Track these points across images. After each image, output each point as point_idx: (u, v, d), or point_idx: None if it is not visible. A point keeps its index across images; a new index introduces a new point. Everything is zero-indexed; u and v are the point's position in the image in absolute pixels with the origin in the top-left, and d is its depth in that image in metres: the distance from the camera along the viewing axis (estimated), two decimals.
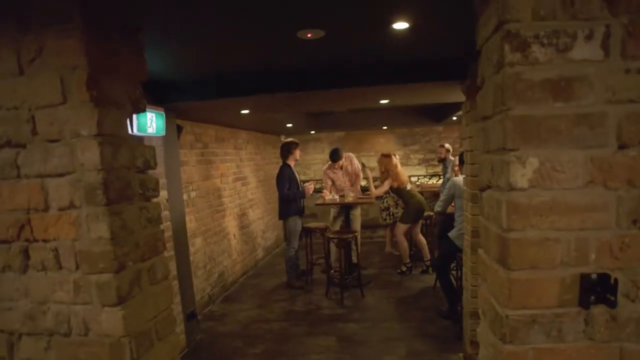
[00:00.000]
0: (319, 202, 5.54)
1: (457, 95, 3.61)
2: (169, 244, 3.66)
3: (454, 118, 6.46)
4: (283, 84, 3.21)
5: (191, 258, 4.62)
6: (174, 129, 3.91)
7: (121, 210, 1.22)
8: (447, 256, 3.99)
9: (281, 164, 5.56)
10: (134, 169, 1.28)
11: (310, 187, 5.48)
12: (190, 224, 4.66)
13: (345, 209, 5.56)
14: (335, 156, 5.87)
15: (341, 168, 6.02)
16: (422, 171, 8.47)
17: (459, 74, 2.98)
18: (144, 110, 1.34)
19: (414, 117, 7.43)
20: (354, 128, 8.24)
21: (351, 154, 6.19)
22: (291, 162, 5.51)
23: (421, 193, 6.57)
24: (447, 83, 3.15)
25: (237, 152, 6.28)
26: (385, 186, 5.69)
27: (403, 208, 5.78)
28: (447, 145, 6.74)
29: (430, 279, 5.35)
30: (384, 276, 5.67)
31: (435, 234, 6.27)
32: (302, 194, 5.39)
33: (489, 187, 1.14)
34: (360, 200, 5.58)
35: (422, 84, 3.15)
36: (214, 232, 5.25)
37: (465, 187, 3.19)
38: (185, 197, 4.57)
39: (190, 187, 4.73)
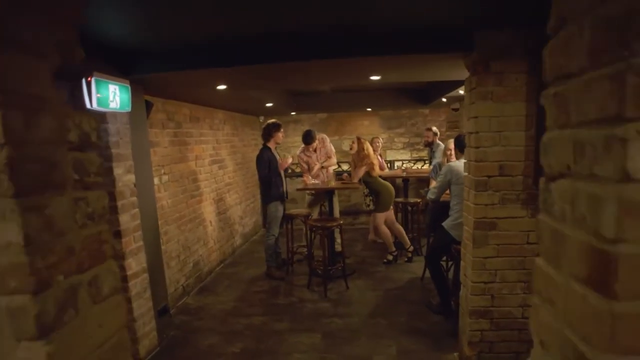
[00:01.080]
0: (299, 187, 5.19)
1: (457, 71, 3.30)
2: (138, 234, 3.27)
3: (444, 100, 6.18)
4: (259, 55, 2.82)
5: (164, 247, 4.24)
6: (142, 105, 3.48)
7: (43, 204, 0.85)
8: (440, 247, 3.73)
9: (261, 146, 5.20)
10: (64, 145, 0.91)
11: (287, 160, 5.15)
12: (163, 210, 4.26)
13: (327, 194, 5.25)
14: (308, 138, 5.56)
15: (315, 151, 5.71)
16: (407, 155, 8.21)
17: (462, 45, 2.65)
18: (80, 62, 0.96)
19: (400, 99, 7.12)
20: (337, 110, 7.88)
21: (324, 135, 5.91)
22: (272, 145, 5.15)
23: (407, 179, 6.32)
24: (447, 56, 2.82)
25: (214, 133, 5.86)
26: (361, 172, 5.38)
27: (372, 199, 5.46)
28: (434, 129, 6.46)
29: (417, 268, 5.12)
30: (368, 266, 5.40)
31: (423, 221, 6.06)
32: (281, 172, 5.07)
33: (563, 175, 0.82)
34: (344, 186, 5.27)
35: (417, 56, 2.81)
36: (189, 219, 4.86)
37: (466, 173, 2.90)
38: (156, 181, 4.16)
39: (162, 171, 4.32)
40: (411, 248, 5.54)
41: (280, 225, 5.17)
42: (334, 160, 5.91)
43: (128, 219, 3.14)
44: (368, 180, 5.35)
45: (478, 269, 2.79)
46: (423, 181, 6.86)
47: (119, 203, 3.04)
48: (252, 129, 7.81)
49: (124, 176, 3.10)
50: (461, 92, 5.13)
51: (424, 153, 8.14)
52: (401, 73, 3.49)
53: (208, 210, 5.46)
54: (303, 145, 5.78)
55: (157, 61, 2.97)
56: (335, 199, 5.56)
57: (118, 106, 2.78)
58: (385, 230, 5.42)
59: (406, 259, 5.50)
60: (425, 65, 3.17)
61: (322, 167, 5.62)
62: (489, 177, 2.67)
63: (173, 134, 4.61)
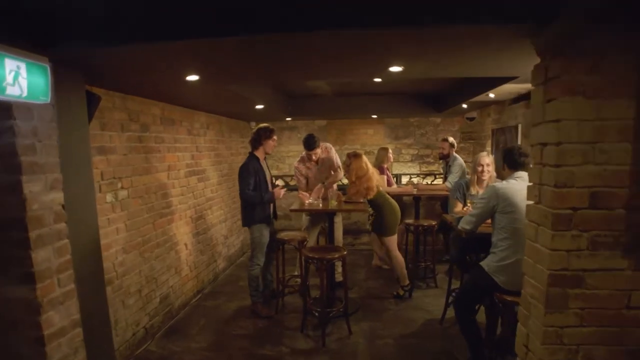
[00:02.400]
0: (293, 207, 4.27)
1: (509, 61, 2.44)
2: (66, 275, 2.35)
3: (464, 106, 5.32)
4: (239, 22, 1.93)
5: (118, 282, 3.33)
6: (80, 98, 2.58)
7: None
8: (475, 293, 2.84)
9: (248, 154, 4.31)
10: None
11: (280, 191, 4.21)
12: (118, 235, 3.35)
13: (328, 215, 4.34)
14: (311, 142, 4.61)
15: (317, 162, 4.81)
16: (415, 169, 7.34)
17: (533, 12, 1.77)
18: None
19: (410, 105, 6.28)
20: (338, 116, 7.03)
21: (329, 144, 4.96)
22: (260, 155, 4.26)
23: (417, 197, 5.44)
24: (506, 30, 1.93)
25: (193, 139, 4.96)
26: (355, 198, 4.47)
27: (374, 219, 4.52)
28: (450, 139, 5.60)
29: (433, 305, 4.23)
30: (374, 301, 4.49)
31: (439, 245, 5.19)
32: (270, 198, 4.15)
33: None
34: (353, 208, 4.34)
35: (462, 29, 1.92)
36: (155, 244, 3.94)
37: (531, 202, 2.01)
38: (109, 198, 3.26)
39: (119, 184, 3.41)
40: (409, 287, 4.61)
41: (269, 250, 4.27)
42: (341, 174, 4.92)
43: (48, 256, 2.22)
44: (372, 199, 4.46)
45: (551, 342, 1.89)
46: (435, 199, 5.99)
47: (33, 233, 2.12)
48: (242, 136, 6.91)
49: (44, 195, 2.19)
50: (491, 95, 4.28)
51: (435, 167, 7.28)
52: (431, 62, 2.61)
53: (183, 231, 4.54)
54: (302, 154, 4.86)
55: (92, 31, 2.07)
56: (339, 221, 4.69)
57: (24, 93, 1.88)
58: (399, 258, 4.52)
59: (398, 295, 4.59)
60: (467, 49, 2.30)
61: (325, 186, 4.69)
62: (575, 209, 1.79)
63: (137, 138, 3.71)
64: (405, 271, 4.54)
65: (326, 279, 3.62)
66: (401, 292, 4.54)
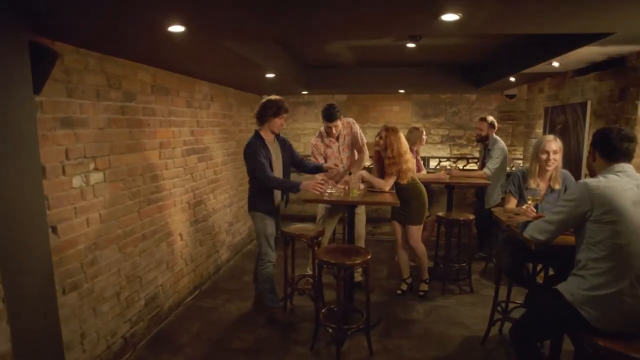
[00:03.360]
0: (306, 197, 3.55)
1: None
2: None
3: (511, 79, 4.49)
4: None
5: (87, 286, 2.72)
6: (20, 52, 1.91)
7: None
8: (546, 325, 2.12)
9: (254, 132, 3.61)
10: None
11: (317, 185, 3.33)
12: (88, 227, 2.73)
13: (348, 207, 3.63)
14: (331, 112, 3.93)
15: (337, 139, 4.11)
16: (446, 151, 6.55)
17: None
18: None
19: (442, 79, 5.47)
20: (361, 90, 6.25)
21: (352, 119, 4.26)
22: (266, 134, 3.54)
23: (451, 185, 4.68)
24: None
25: (194, 113, 4.28)
26: (392, 181, 3.76)
27: (402, 206, 3.77)
28: (490, 119, 4.80)
29: (468, 316, 3.55)
30: (398, 307, 3.81)
31: (473, 241, 4.49)
32: (292, 187, 3.42)
33: None
34: (378, 200, 3.60)
35: None
36: (141, 236, 3.31)
37: None
38: (76, 182, 2.63)
39: (92, 165, 2.76)
40: (409, 280, 4.11)
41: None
42: (367, 155, 4.28)
43: None
44: (404, 186, 3.76)
45: None
46: (467, 187, 5.21)
47: None
48: (253, 111, 6.17)
49: None
50: (555, 64, 3.46)
51: (467, 150, 6.48)
52: (502, 4, 1.84)
53: (177, 220, 3.91)
54: (321, 130, 4.19)
55: None
56: (362, 212, 4.04)
57: None
58: (424, 248, 3.97)
59: (420, 294, 4.02)
60: None
61: (348, 170, 3.96)
62: None
63: (118, 109, 3.04)
64: (426, 264, 4.05)
65: (343, 290, 2.92)
66: (424, 287, 4.04)
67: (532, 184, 2.86)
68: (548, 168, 2.79)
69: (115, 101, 3.01)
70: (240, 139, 5.57)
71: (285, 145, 3.69)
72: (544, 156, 2.77)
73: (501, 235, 3.07)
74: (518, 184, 2.96)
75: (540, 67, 3.61)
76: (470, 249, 4.20)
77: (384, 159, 3.74)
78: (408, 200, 3.72)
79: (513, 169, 5.05)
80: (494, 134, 4.81)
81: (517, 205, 2.94)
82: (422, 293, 3.99)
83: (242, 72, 4.13)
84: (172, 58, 3.31)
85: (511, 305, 3.24)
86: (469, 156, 6.42)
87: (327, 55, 4.81)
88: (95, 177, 2.79)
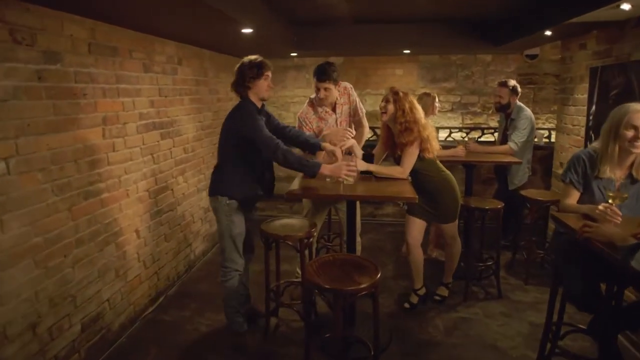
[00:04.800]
0: (293, 188, 2.68)
1: None
2: None
3: (547, 33, 3.62)
4: None
5: None
6: None
7: None
8: None
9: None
10: None
11: (345, 168, 2.50)
12: None
13: (347, 201, 2.83)
14: (324, 68, 3.12)
15: (334, 109, 3.27)
16: (457, 121, 5.73)
17: None
18: None
19: (456, 36, 4.59)
20: (359, 51, 5.36)
21: (349, 85, 3.41)
22: (255, 99, 2.71)
23: (470, 164, 3.89)
24: None
25: (154, 79, 3.44)
26: (411, 159, 2.90)
27: (428, 204, 3.03)
28: (511, 83, 3.98)
29: (506, 337, 2.83)
30: (411, 321, 3.09)
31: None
32: (312, 167, 2.53)
33: None
34: (390, 195, 2.69)
35: None
36: (74, 241, 2.54)
37: None
38: None
39: None
40: (422, 291, 3.28)
41: (247, 246, 2.86)
42: (367, 127, 3.51)
43: None
44: (420, 168, 2.95)
45: None
46: (495, 172, 4.43)
47: None
48: (231, 75, 5.32)
49: None
50: (625, 6, 2.59)
51: (482, 119, 5.67)
52: None
53: (131, 213, 3.13)
54: (311, 97, 3.33)
55: None
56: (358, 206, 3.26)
57: None
58: (459, 246, 3.27)
59: (438, 299, 3.31)
60: None
61: (347, 149, 3.10)
62: None
63: (32, 74, 2.21)
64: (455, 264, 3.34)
65: (343, 311, 2.17)
66: (444, 292, 3.35)
67: (606, 171, 2.07)
68: (635, 150, 1.99)
69: (26, 63, 2.18)
70: (219, 109, 4.74)
71: (270, 119, 2.85)
72: (630, 133, 1.97)
73: (556, 241, 2.31)
74: (583, 171, 2.16)
75: (593, 15, 2.76)
76: (497, 243, 3.44)
77: (395, 131, 2.92)
78: (434, 193, 2.92)
79: (535, 140, 4.26)
80: (517, 101, 4.00)
81: (580, 202, 2.16)
82: (439, 298, 3.28)
83: (211, 26, 3.26)
84: (114, 7, 2.45)
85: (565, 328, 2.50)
86: (483, 126, 5.60)
87: (319, 8, 3.92)
88: None
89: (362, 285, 1.99)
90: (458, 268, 3.39)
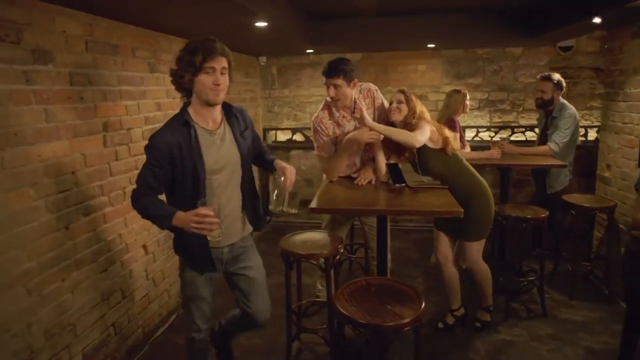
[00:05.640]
0: (314, 204, 2.34)
1: None
2: None
3: (596, 20, 3.24)
4: None
5: None
6: None
7: None
8: None
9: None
10: None
11: (197, 222, 1.70)
12: None
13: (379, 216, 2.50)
14: (335, 64, 2.65)
15: (353, 111, 2.85)
16: (484, 119, 5.36)
17: None
18: None
19: (485, 28, 4.24)
20: (379, 46, 5.02)
21: (373, 87, 2.96)
22: (196, 109, 1.92)
23: (506, 167, 3.54)
24: None
25: (160, 79, 3.17)
26: (425, 131, 2.52)
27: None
28: (556, 77, 3.61)
29: None
30: (445, 341, 2.77)
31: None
32: (160, 218, 1.84)
33: None
34: (424, 207, 2.27)
35: None
36: (73, 263, 2.27)
37: None
38: None
39: None
40: (460, 311, 2.90)
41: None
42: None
43: None
44: (443, 169, 2.60)
45: None
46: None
47: None
48: (247, 76, 5.06)
49: None
50: None
51: (512, 117, 5.29)
52: None
53: (137, 228, 2.85)
54: (327, 99, 2.85)
55: None
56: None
57: None
58: (486, 267, 2.79)
59: (476, 326, 2.91)
60: None
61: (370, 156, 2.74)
62: None
63: (18, 76, 1.94)
64: (490, 285, 2.85)
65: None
66: (486, 317, 2.89)
67: None
68: None
69: (10, 63, 1.91)
70: None
71: (240, 123, 2.00)
72: None
73: (631, 263, 1.96)
74: None
75: None
76: (542, 255, 3.09)
77: (406, 129, 2.58)
78: (462, 203, 2.54)
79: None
80: (561, 97, 3.64)
81: None
82: (479, 325, 2.88)
83: (223, 19, 2.96)
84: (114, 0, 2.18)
85: None
86: (513, 124, 5.22)
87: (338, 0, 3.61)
88: None
89: (405, 320, 1.66)
90: (496, 282, 3.05)
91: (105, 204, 2.53)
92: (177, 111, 3.33)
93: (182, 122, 1.85)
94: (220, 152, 1.89)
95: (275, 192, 1.92)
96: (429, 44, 4.80)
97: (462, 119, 4.92)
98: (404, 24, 4.31)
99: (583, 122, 5.02)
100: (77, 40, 2.33)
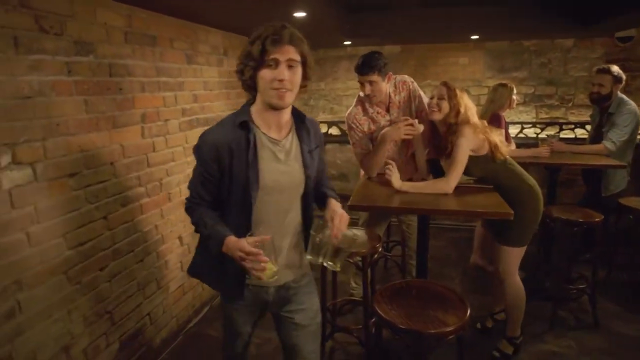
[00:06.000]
0: (353, 201, 2.24)
1: None
2: None
3: None
4: None
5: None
6: None
7: None
8: None
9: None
10: None
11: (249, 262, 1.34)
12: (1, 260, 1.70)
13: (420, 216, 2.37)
14: (368, 59, 2.51)
15: (387, 109, 2.74)
16: (530, 115, 5.10)
17: None
18: None
19: (534, 17, 4.01)
20: (420, 38, 4.86)
21: (409, 79, 2.80)
22: (259, 113, 1.47)
23: (556, 166, 3.34)
24: None
25: (198, 71, 3.16)
26: (458, 170, 2.28)
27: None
28: (615, 70, 3.36)
29: None
30: (487, 345, 2.63)
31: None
32: (214, 241, 1.44)
33: None
34: (468, 206, 2.12)
35: None
36: (111, 253, 2.30)
37: None
38: None
39: (7, 158, 1.71)
40: (519, 340, 2.57)
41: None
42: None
43: None
44: (487, 174, 2.41)
45: None
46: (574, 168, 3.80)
47: None
48: None
49: None
50: None
51: (560, 112, 5.02)
52: None
53: (174, 219, 2.86)
54: (360, 94, 2.75)
55: None
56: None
57: None
58: (521, 287, 2.46)
59: (479, 326, 2.76)
60: None
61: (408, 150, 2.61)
62: None
63: (61, 67, 1.96)
64: (522, 311, 2.53)
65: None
66: (509, 349, 2.55)
67: None
68: None
69: (52, 54, 1.91)
70: None
71: (310, 139, 1.57)
72: None
73: None
74: None
75: None
76: (594, 262, 2.89)
77: (445, 129, 2.37)
78: (510, 204, 2.16)
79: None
80: (618, 92, 3.39)
81: None
82: (497, 355, 2.55)
83: (262, 10, 2.91)
84: None
85: None
86: (561, 121, 4.94)
87: None
88: (13, 176, 1.74)
89: (449, 328, 1.56)
90: (541, 287, 2.87)
91: (143, 195, 2.54)
92: (214, 103, 3.41)
93: (239, 122, 1.43)
94: (282, 169, 1.47)
95: (317, 238, 1.46)
96: (473, 35, 4.60)
97: (506, 115, 4.71)
98: (446, 14, 4.14)
99: None
100: (117, 31, 2.33)
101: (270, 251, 1.35)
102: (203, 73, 3.22)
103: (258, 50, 1.34)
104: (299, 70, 1.40)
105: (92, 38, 2.14)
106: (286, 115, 1.48)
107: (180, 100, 2.92)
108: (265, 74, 1.36)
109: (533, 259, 3.22)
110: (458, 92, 2.36)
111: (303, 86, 1.47)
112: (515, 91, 3.46)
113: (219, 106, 3.45)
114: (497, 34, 4.64)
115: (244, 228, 1.41)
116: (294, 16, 3.03)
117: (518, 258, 2.43)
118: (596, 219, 2.73)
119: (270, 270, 1.34)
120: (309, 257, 1.49)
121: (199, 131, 3.10)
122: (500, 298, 2.69)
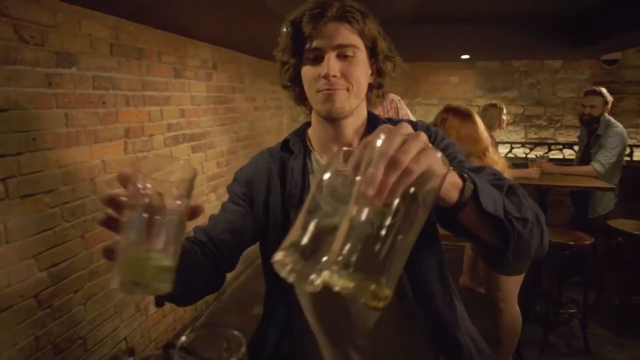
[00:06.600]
0: None
1: None
2: None
3: None
4: None
5: None
6: None
7: None
8: None
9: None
10: None
11: None
12: None
13: None
14: None
15: None
16: (519, 135, 5.11)
17: None
18: None
19: (526, 37, 4.03)
20: (413, 56, 4.85)
21: (396, 97, 2.89)
22: (317, 126, 1.01)
23: (546, 188, 3.31)
24: None
25: (185, 85, 3.09)
26: None
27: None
28: (605, 92, 3.37)
29: None
30: None
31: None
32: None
33: None
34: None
35: None
36: (87, 273, 2.19)
37: None
38: None
39: None
40: None
41: None
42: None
43: None
44: None
45: None
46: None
47: None
48: (273, 83, 4.95)
49: None
50: None
51: (548, 133, 5.04)
52: None
53: None
54: None
55: None
56: None
57: None
58: (518, 315, 2.40)
59: None
60: None
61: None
62: None
63: (41, 79, 1.88)
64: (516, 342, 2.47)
65: None
66: None
67: None
68: None
69: (33, 65, 1.84)
70: (255, 119, 4.36)
71: None
72: None
73: None
74: None
75: None
76: (587, 286, 2.85)
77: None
78: None
79: None
80: (607, 114, 3.40)
81: None
82: None
83: (251, 27, 2.86)
84: (143, 3, 2.10)
85: None
86: (549, 141, 4.96)
87: (376, 4, 3.47)
88: None
89: None
90: (531, 312, 2.81)
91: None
92: (202, 118, 3.33)
93: (294, 147, 1.02)
94: None
95: None
96: (464, 54, 4.62)
97: (496, 135, 4.71)
98: (438, 32, 4.15)
99: (629, 141, 4.73)
100: (102, 43, 2.26)
101: None
102: (191, 87, 3.16)
103: (290, 35, 0.89)
104: (360, 60, 0.91)
105: (75, 49, 2.07)
106: (350, 127, 0.96)
107: (167, 115, 2.85)
108: (307, 71, 0.90)
109: (523, 282, 3.16)
110: (457, 116, 2.35)
111: (376, 86, 0.98)
112: (505, 111, 3.46)
113: (207, 121, 3.38)
114: (488, 53, 4.67)
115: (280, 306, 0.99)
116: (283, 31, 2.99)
117: (517, 284, 2.37)
118: (586, 242, 2.70)
119: None
120: None
121: (185, 147, 3.05)
122: (510, 347, 2.50)
